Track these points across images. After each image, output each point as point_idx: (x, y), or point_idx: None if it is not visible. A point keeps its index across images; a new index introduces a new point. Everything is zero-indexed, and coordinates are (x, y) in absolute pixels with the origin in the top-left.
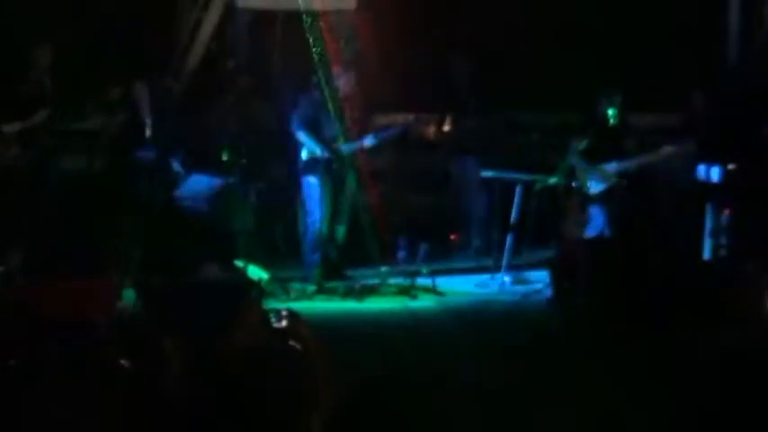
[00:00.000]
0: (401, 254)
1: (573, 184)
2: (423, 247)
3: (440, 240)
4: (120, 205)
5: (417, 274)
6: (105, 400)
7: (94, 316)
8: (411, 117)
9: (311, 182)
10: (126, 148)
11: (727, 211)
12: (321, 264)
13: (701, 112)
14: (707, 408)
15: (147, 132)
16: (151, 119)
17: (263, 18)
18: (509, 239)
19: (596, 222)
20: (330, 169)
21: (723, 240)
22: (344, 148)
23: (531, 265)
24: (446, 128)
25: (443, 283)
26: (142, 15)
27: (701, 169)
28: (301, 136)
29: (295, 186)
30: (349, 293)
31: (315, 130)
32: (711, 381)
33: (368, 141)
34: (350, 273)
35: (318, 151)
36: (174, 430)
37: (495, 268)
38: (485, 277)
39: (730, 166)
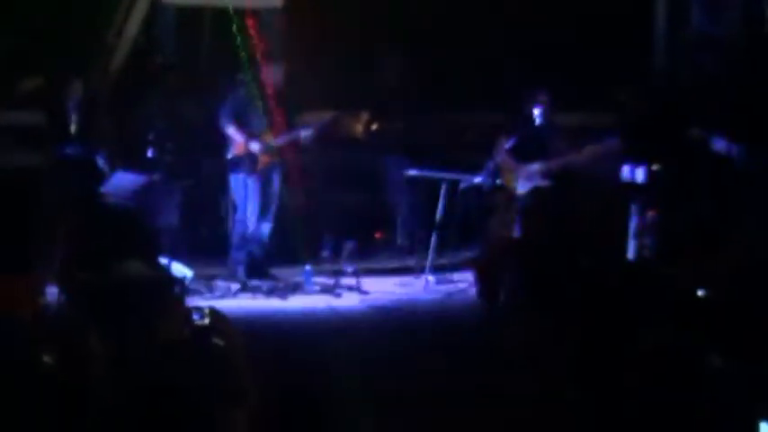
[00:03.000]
0: (326, 252)
1: (499, 183)
2: (348, 246)
3: (365, 239)
4: (44, 201)
5: (342, 272)
6: (27, 395)
7: (18, 312)
8: (331, 114)
9: (238, 178)
10: (51, 145)
11: (651, 212)
12: (246, 261)
13: (627, 111)
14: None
15: (73, 129)
16: (77, 115)
17: (191, 14)
18: (434, 239)
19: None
20: (257, 166)
21: (647, 241)
22: (272, 143)
23: (456, 264)
24: (373, 126)
25: (368, 281)
26: (68, 12)
27: (626, 170)
28: (229, 131)
29: (222, 183)
30: (273, 292)
31: (243, 126)
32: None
33: (281, 140)
34: (274, 271)
35: (246, 146)
36: (97, 426)
37: (420, 267)
38: (409, 276)
39: (655, 167)
